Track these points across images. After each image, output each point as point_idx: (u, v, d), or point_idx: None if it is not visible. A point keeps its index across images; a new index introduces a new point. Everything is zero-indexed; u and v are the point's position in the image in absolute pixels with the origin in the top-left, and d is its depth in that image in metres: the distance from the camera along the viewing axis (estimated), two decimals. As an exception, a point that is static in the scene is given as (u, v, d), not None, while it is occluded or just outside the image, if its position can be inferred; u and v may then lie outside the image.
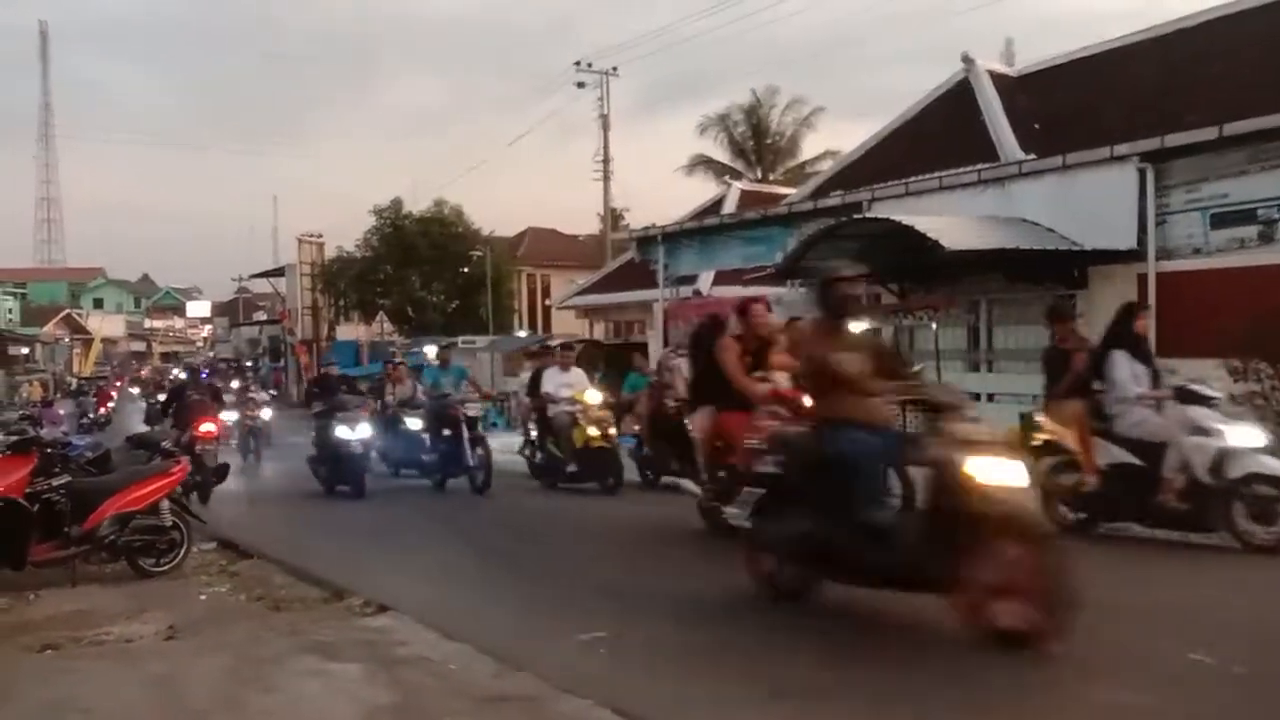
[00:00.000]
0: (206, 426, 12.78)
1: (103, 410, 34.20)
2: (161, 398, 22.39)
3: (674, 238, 20.46)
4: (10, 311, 63.01)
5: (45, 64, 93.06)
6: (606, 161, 35.05)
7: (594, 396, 12.44)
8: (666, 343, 20.22)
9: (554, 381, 12.79)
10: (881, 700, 4.29)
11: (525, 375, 14.70)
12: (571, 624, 5.54)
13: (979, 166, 14.98)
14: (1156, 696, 4.25)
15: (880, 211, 15.14)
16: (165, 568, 7.61)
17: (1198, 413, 7.72)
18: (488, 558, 8.18)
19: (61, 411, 26.14)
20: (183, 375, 42.06)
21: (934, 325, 13.98)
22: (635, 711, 4.13)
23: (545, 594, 6.64)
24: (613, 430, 12.16)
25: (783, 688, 4.45)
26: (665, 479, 11.96)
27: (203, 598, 6.93)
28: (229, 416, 20.91)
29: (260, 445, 19.46)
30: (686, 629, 5.50)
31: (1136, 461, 7.85)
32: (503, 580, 7.23)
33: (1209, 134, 12.07)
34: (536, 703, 4.34)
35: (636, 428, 12.27)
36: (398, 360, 19.31)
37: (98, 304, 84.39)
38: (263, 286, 57.46)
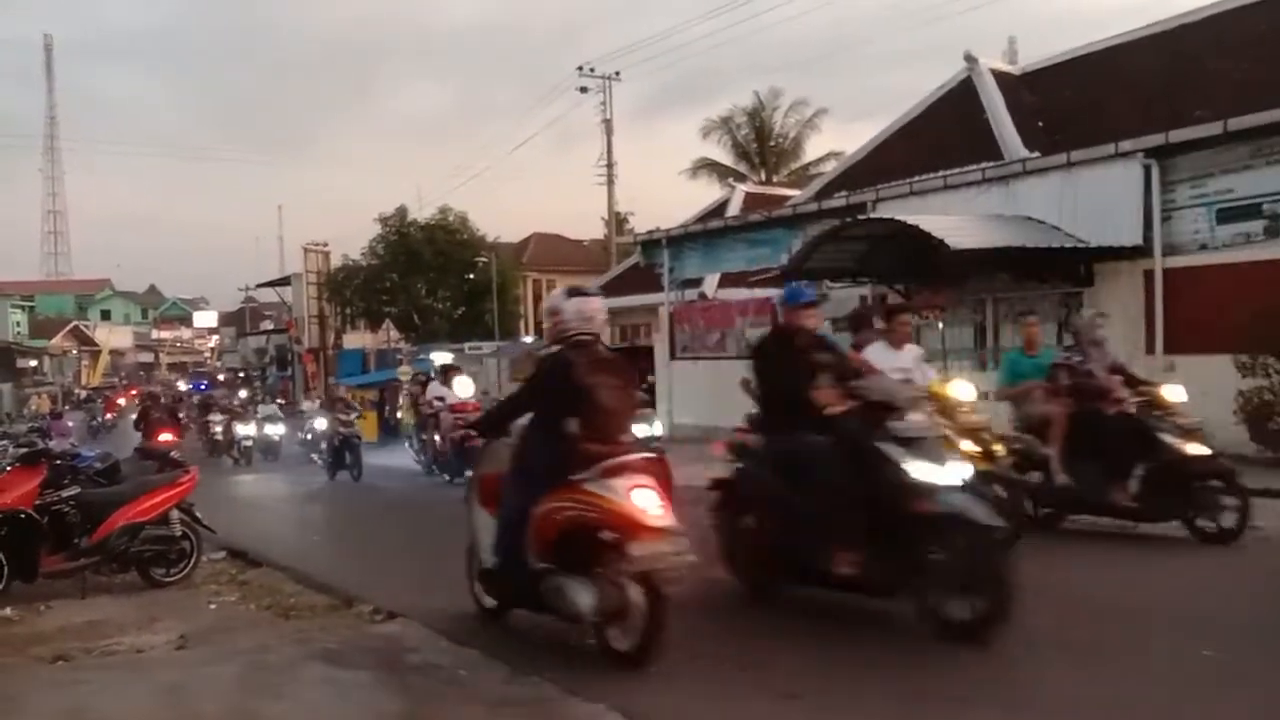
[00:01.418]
0: (164, 436, 16.84)
1: (109, 416, 36.16)
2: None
3: (678, 241, 20.47)
4: (18, 324, 63.15)
5: (50, 77, 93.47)
6: (610, 166, 35.15)
7: (964, 390, 7.80)
8: (673, 347, 20.28)
9: (883, 364, 7.73)
10: (895, 702, 4.28)
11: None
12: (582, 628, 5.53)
13: (983, 165, 14.97)
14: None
15: (885, 212, 15.14)
16: (175, 577, 7.62)
17: None
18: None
19: (70, 423, 26.33)
20: (184, 386, 42.40)
21: (940, 324, 13.96)
22: (645, 715, 4.13)
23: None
24: (999, 446, 7.60)
25: (793, 690, 4.45)
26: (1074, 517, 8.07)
27: (213, 607, 6.93)
28: (247, 429, 22.44)
29: (357, 462, 16.65)
30: (697, 633, 5.48)
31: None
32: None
33: (1214, 129, 12.05)
34: (548, 707, 4.33)
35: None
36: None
37: (105, 316, 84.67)
38: (269, 296, 57.58)
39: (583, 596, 4.74)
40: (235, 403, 27.33)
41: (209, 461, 21.83)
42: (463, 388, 15.87)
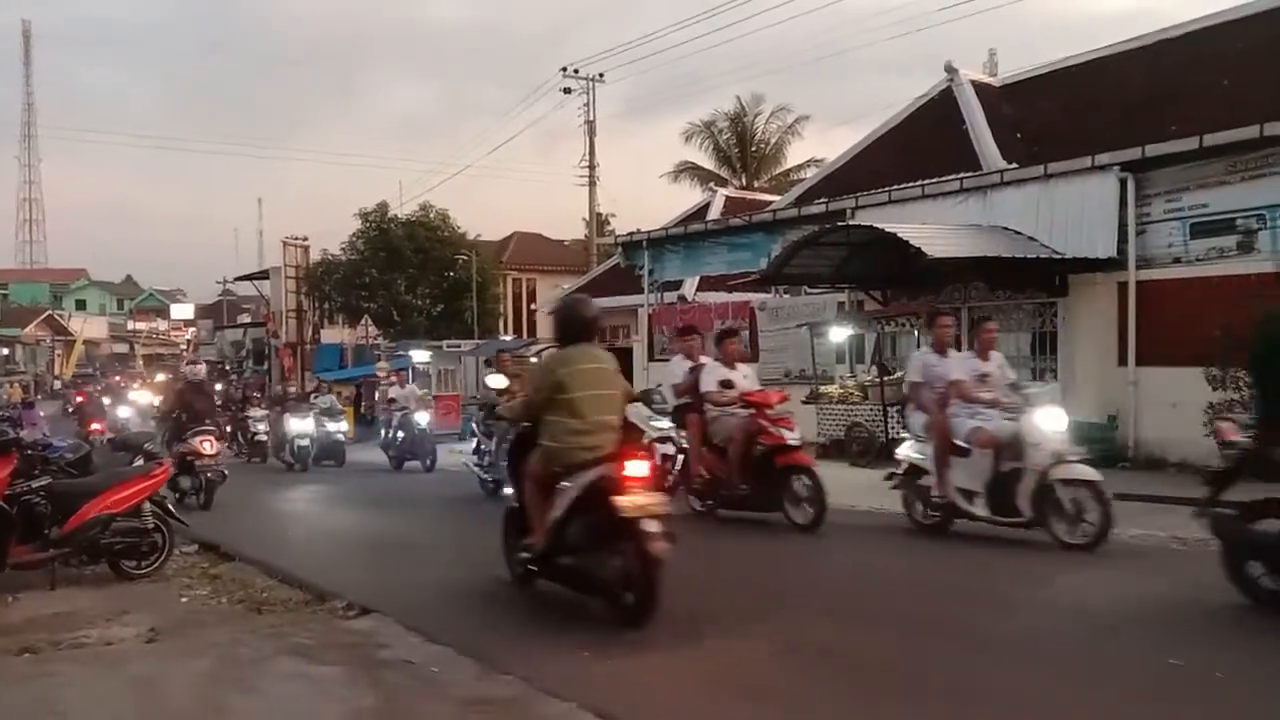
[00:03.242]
0: (95, 425, 19.52)
1: (79, 400, 36.86)
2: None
3: (659, 243, 20.52)
4: (-10, 312, 62.55)
5: (28, 64, 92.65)
6: (592, 167, 35.21)
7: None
8: (652, 348, 20.32)
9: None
10: (866, 705, 4.32)
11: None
12: (555, 627, 5.55)
13: (961, 175, 15.10)
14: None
15: (863, 219, 15.24)
16: (146, 570, 7.57)
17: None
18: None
19: (42, 413, 26.07)
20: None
21: (916, 332, 14.07)
22: (617, 715, 4.15)
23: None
24: None
25: (764, 692, 4.48)
26: None
27: (184, 600, 6.90)
28: (304, 425, 17.97)
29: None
30: (670, 634, 5.51)
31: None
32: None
33: (1189, 144, 12.22)
34: (519, 705, 4.34)
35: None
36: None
37: (80, 305, 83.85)
38: (247, 289, 57.14)
39: (185, 482, 11.80)
40: (289, 390, 22.41)
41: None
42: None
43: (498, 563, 6.62)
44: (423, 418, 17.44)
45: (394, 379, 18.86)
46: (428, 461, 16.94)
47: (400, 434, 17.46)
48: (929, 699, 4.34)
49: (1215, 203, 12.32)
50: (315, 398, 20.88)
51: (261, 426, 19.65)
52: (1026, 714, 4.19)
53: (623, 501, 5.31)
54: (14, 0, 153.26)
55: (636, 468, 5.45)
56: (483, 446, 12.33)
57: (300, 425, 17.94)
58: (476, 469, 12.35)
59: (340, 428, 18.87)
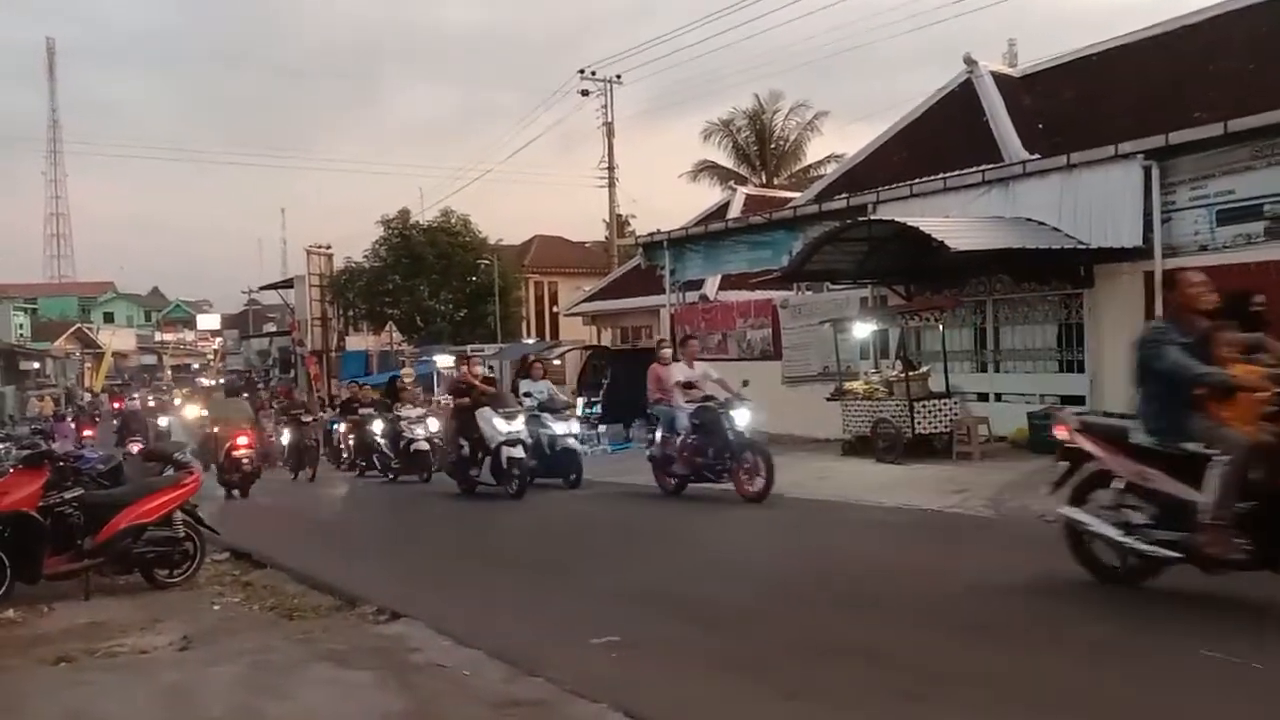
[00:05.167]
0: (87, 432, 24.13)
1: (116, 405, 37.97)
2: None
3: (680, 243, 20.48)
4: (21, 327, 63.24)
5: (53, 80, 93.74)
6: (611, 168, 35.16)
7: None
8: (674, 348, 20.27)
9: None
10: (898, 701, 4.30)
11: None
12: (586, 629, 5.56)
13: (983, 167, 14.97)
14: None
15: (885, 213, 15.14)
16: (179, 579, 7.65)
17: None
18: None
19: (73, 425, 26.58)
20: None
21: (940, 326, 13.97)
22: (647, 715, 4.15)
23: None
24: None
25: (797, 689, 4.47)
26: None
27: (216, 608, 6.97)
28: (512, 426, 12.00)
29: None
30: (700, 632, 5.51)
31: None
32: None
33: (1214, 130, 12.05)
34: (549, 708, 4.35)
35: None
36: None
37: (108, 318, 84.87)
38: (272, 298, 57.67)
39: None
40: (474, 373, 13.88)
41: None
42: None
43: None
44: (742, 416, 11.10)
45: (688, 350, 12.72)
46: (760, 482, 10.47)
47: (693, 439, 11.29)
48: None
49: (1242, 189, 12.14)
50: (521, 381, 14.36)
51: (420, 431, 15.27)
52: None
53: (234, 452, 14.60)
54: (35, 12, 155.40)
55: (240, 440, 14.70)
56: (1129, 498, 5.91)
57: (509, 426, 12.23)
58: (1113, 531, 5.83)
59: (571, 429, 13.41)
